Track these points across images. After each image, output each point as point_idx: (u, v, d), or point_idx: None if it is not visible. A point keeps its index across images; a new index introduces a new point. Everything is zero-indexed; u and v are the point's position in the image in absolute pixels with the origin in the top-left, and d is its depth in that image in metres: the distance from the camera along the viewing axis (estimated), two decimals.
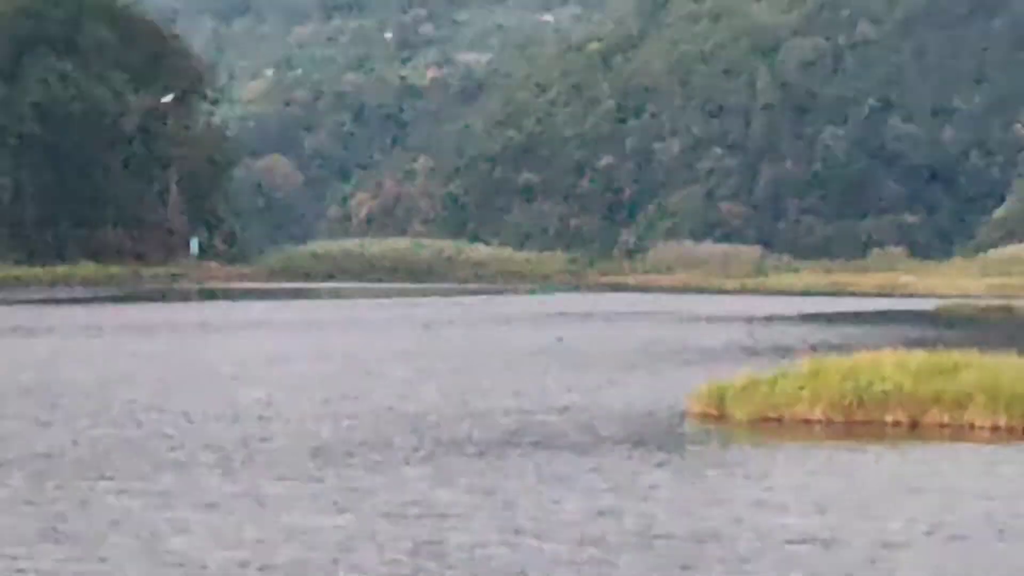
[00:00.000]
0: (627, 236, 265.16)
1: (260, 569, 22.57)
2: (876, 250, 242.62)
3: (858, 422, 40.54)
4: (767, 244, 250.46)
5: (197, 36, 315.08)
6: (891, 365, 43.06)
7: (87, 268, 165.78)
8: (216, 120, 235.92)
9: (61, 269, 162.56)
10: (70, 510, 27.66)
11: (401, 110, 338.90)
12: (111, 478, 31.24)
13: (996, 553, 24.60)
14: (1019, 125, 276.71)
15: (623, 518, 26.85)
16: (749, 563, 23.55)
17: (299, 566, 22.73)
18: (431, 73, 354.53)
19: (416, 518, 26.80)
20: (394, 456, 35.01)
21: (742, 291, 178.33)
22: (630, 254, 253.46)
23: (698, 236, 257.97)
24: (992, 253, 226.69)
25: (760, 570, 23.11)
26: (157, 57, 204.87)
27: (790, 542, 25.20)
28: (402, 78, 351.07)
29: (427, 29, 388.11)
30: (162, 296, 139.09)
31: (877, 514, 27.70)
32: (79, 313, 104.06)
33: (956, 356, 44.44)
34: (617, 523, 26.34)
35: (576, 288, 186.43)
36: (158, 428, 40.31)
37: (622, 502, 28.65)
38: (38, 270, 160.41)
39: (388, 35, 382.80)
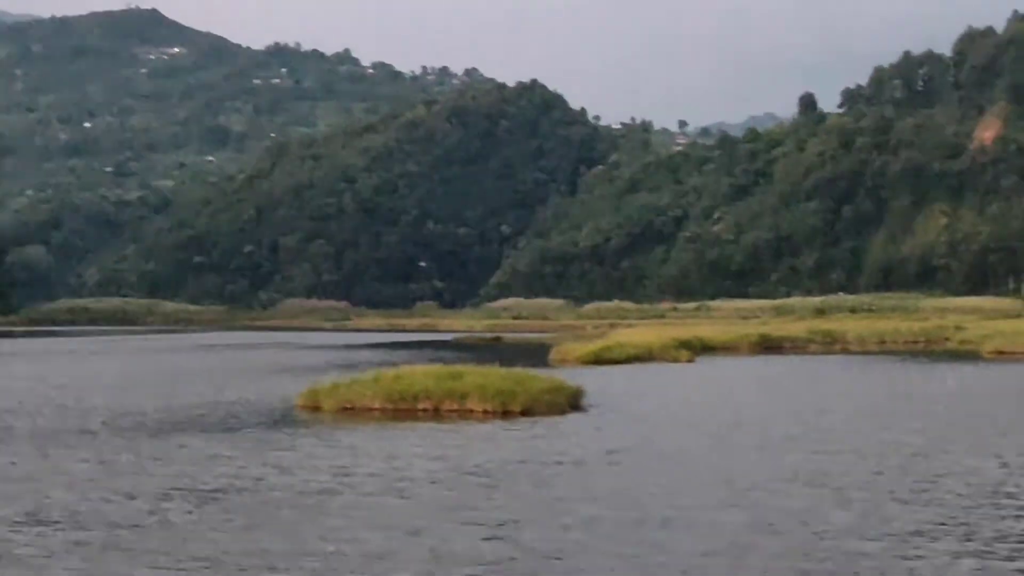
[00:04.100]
0: (264, 295, 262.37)
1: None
2: (418, 303, 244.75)
3: (402, 409, 40.34)
4: (350, 300, 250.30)
5: None
6: (422, 374, 43.34)
7: None
8: None
9: None
10: None
11: (117, 218, 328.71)
12: None
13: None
14: (504, 226, 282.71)
15: (246, 472, 26.59)
16: (311, 497, 23.53)
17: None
18: (136, 193, 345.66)
19: (107, 471, 26.36)
20: (98, 437, 33.83)
21: (335, 330, 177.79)
22: (265, 307, 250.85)
23: (308, 295, 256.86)
24: (489, 305, 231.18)
25: (305, 503, 22.98)
26: None
27: (337, 476, 25.79)
28: (117, 196, 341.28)
29: (134, 165, 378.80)
30: None
31: (396, 465, 27.62)
32: None
33: (462, 368, 45.14)
34: (239, 477, 25.94)
35: (231, 329, 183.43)
36: None
37: (248, 462, 28.18)
38: None
39: (108, 169, 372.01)
